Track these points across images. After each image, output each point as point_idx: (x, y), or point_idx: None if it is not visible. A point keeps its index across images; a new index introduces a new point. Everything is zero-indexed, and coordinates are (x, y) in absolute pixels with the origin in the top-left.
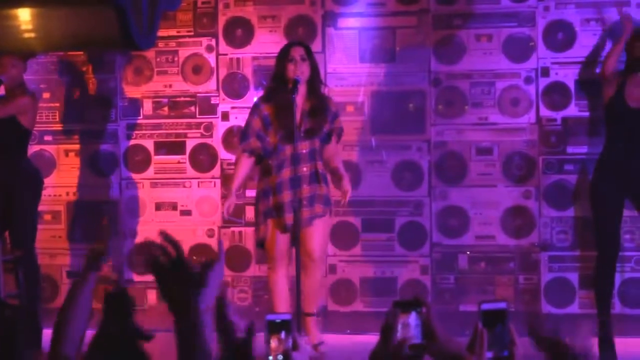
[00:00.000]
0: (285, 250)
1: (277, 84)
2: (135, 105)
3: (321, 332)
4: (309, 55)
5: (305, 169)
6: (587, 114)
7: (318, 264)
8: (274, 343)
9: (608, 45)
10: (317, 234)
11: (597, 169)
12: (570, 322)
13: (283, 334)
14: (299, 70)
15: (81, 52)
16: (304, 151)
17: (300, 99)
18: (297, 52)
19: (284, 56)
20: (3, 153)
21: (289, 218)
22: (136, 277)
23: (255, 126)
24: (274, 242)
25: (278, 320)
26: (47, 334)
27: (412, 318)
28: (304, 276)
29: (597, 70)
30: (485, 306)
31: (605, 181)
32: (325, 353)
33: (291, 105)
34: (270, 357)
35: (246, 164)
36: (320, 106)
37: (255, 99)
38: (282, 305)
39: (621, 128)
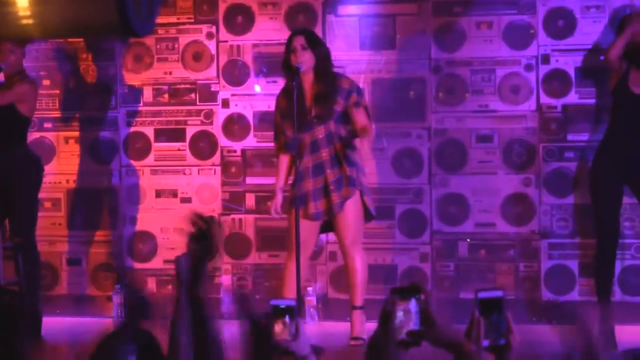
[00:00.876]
0: (306, 239)
1: (286, 74)
2: (135, 93)
3: (364, 326)
4: (312, 42)
5: (324, 154)
6: (587, 101)
7: (353, 251)
8: (278, 327)
9: (609, 34)
10: (350, 220)
11: (597, 156)
12: (570, 309)
13: (287, 319)
14: (300, 60)
15: (81, 39)
16: (321, 136)
17: (308, 85)
18: (298, 42)
19: (287, 46)
20: (2, 141)
21: (312, 207)
22: (136, 265)
23: (277, 122)
24: (295, 231)
25: (283, 306)
26: (46, 321)
27: (411, 305)
28: (345, 266)
29: (601, 58)
30: (482, 294)
31: (605, 168)
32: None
33: (292, 95)
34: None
35: (283, 161)
36: (326, 91)
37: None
38: (290, 294)
39: (624, 115)
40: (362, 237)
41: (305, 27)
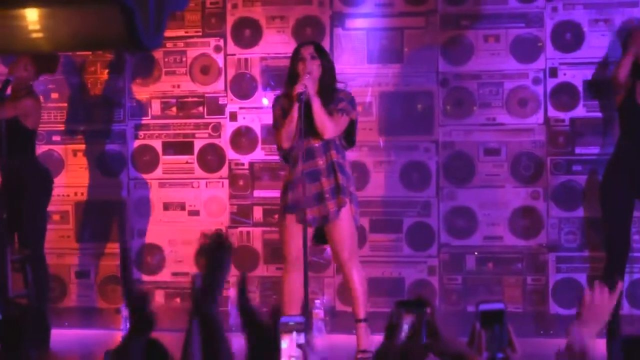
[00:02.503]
0: (301, 249)
1: (291, 84)
2: (143, 106)
3: (369, 339)
4: (320, 52)
5: (321, 162)
6: (595, 114)
7: (350, 265)
8: (285, 344)
9: (617, 47)
10: (345, 232)
11: (608, 170)
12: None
13: (295, 335)
14: (308, 68)
15: (89, 53)
16: (317, 145)
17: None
18: (307, 51)
19: (295, 56)
20: (10, 154)
21: (309, 212)
22: (144, 277)
23: (278, 117)
24: (288, 241)
25: (291, 323)
26: (55, 334)
27: (417, 317)
28: (344, 280)
29: (608, 72)
30: (484, 307)
31: (615, 181)
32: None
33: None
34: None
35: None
36: (325, 104)
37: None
38: (293, 309)
39: (633, 129)
40: (357, 249)
41: (313, 40)
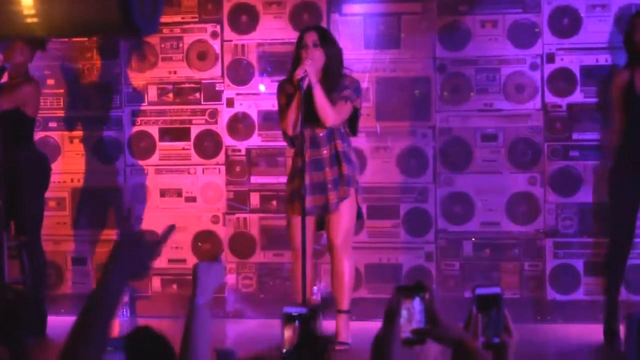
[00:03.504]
0: (308, 236)
1: (295, 69)
2: (139, 92)
3: (349, 331)
4: (324, 39)
5: (325, 151)
6: (592, 100)
7: (342, 253)
8: (287, 333)
9: (614, 33)
10: (343, 220)
11: (615, 158)
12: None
13: (297, 324)
14: (310, 56)
15: (85, 38)
16: (321, 134)
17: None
18: (310, 38)
19: (298, 42)
20: (8, 141)
21: (309, 201)
22: None
23: (283, 105)
24: (295, 229)
25: (294, 313)
26: (51, 321)
27: (415, 303)
28: (332, 267)
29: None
30: (480, 291)
31: (621, 170)
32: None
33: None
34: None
35: None
36: (329, 94)
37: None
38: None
39: (634, 117)
40: (352, 239)
41: (319, 25)
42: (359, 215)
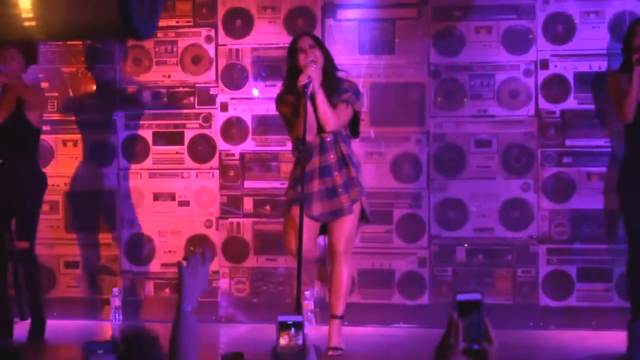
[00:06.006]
0: (308, 241)
1: (293, 79)
2: (133, 96)
3: (342, 336)
4: (318, 42)
5: (332, 156)
6: (586, 106)
7: (342, 259)
8: (283, 340)
9: (608, 40)
10: (348, 225)
11: (621, 168)
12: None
13: (293, 331)
14: (311, 57)
15: (80, 42)
16: (328, 139)
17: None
18: (306, 42)
19: (293, 49)
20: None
21: (316, 207)
22: (134, 268)
23: (289, 116)
24: (292, 237)
25: (290, 322)
26: (49, 324)
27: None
28: (331, 272)
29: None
30: (461, 297)
31: (628, 179)
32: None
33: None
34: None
35: None
36: (329, 95)
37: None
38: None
39: (633, 124)
40: (353, 244)
41: (309, 31)
42: (364, 216)
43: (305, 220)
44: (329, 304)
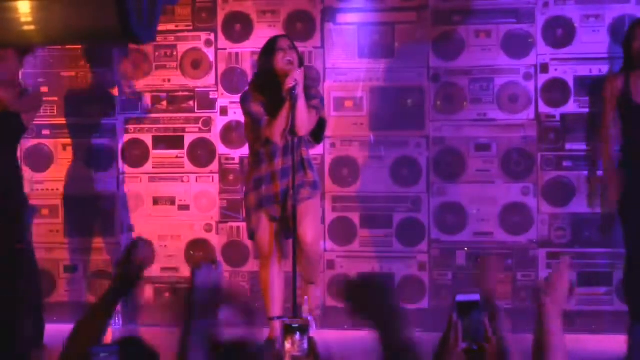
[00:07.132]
0: (278, 243)
1: (266, 78)
2: (133, 100)
3: (320, 296)
4: (294, 46)
5: (293, 159)
6: (586, 110)
7: (312, 248)
8: (288, 344)
9: (608, 43)
10: (309, 218)
11: (621, 175)
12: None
13: (298, 336)
14: (288, 57)
15: (79, 46)
16: (294, 142)
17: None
18: (285, 42)
19: (271, 47)
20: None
21: (275, 209)
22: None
23: (260, 112)
24: (264, 236)
25: (295, 325)
26: (49, 329)
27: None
28: (300, 257)
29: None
30: (460, 297)
31: (626, 183)
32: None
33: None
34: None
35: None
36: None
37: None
38: (276, 306)
39: (632, 126)
40: (321, 239)
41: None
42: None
43: (269, 222)
44: (303, 276)
